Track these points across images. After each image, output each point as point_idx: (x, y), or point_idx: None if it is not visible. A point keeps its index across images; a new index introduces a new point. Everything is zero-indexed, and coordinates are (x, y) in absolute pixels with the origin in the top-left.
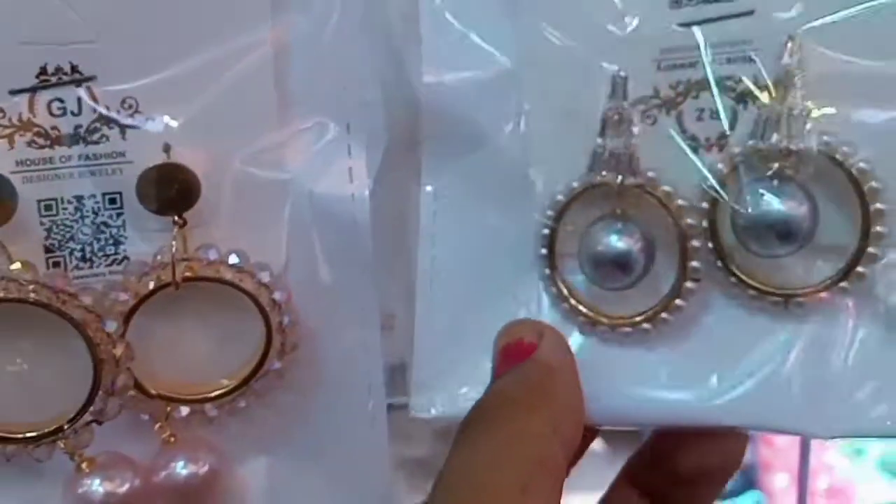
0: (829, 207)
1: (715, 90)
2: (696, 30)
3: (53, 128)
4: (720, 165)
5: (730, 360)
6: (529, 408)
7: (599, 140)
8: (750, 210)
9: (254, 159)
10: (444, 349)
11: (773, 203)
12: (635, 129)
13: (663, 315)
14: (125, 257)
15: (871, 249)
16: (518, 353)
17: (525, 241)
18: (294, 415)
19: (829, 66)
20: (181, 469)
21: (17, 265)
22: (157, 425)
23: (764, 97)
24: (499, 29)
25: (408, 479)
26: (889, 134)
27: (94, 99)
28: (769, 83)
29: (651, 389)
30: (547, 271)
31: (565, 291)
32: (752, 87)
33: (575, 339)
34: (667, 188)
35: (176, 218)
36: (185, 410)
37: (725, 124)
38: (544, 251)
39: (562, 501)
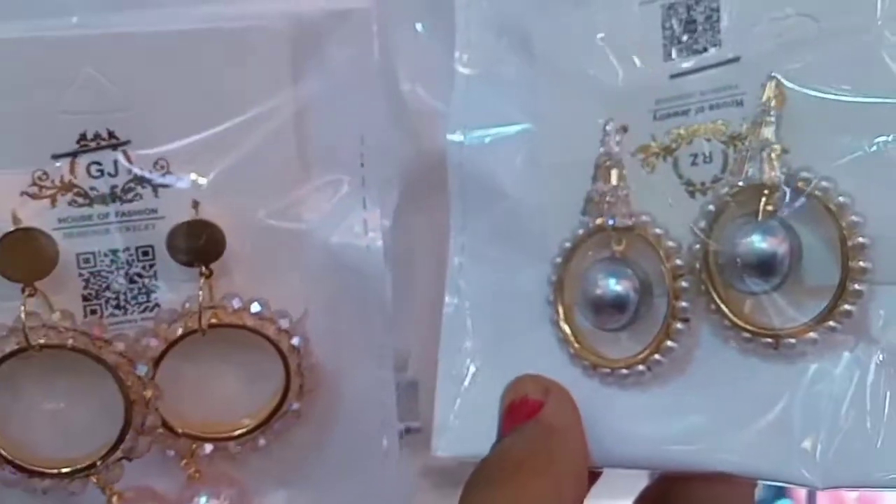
0: (813, 243)
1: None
2: (687, 80)
3: (92, 188)
4: (710, 207)
5: (723, 404)
6: (533, 472)
7: (593, 185)
8: (730, 246)
9: (275, 214)
10: (464, 394)
11: (752, 239)
12: (627, 174)
13: (656, 357)
14: (156, 305)
15: (855, 286)
16: (523, 411)
17: (539, 289)
18: (311, 450)
19: (807, 103)
20: (204, 503)
21: (57, 314)
22: (183, 462)
23: (749, 138)
24: (518, 88)
25: (435, 488)
26: (868, 167)
27: (129, 161)
28: (751, 124)
29: (649, 432)
30: (554, 317)
31: (571, 335)
32: (738, 129)
33: (580, 383)
34: (658, 230)
35: (203, 269)
36: (209, 448)
37: (718, 168)
38: (551, 297)
39: None
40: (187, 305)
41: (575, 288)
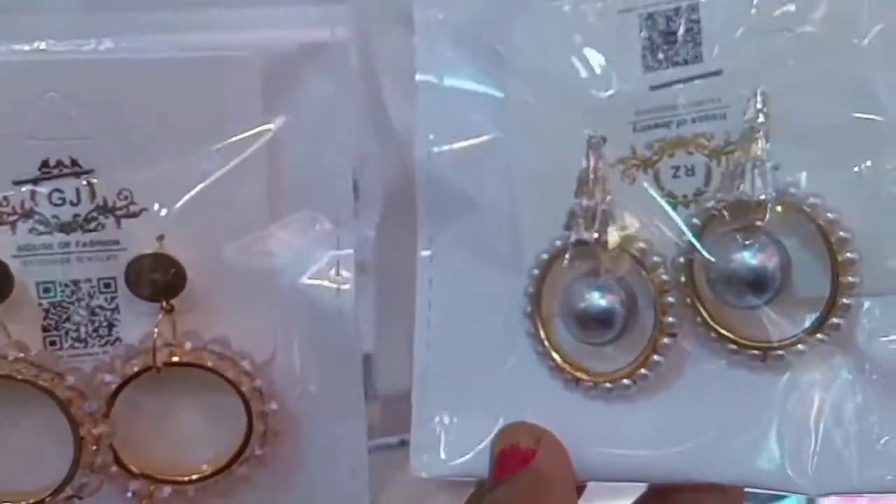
0: (801, 258)
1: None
2: (668, 91)
3: (54, 216)
4: (695, 220)
5: (712, 415)
6: None
7: (576, 199)
8: (722, 262)
9: (243, 249)
10: (439, 411)
11: (744, 255)
12: (609, 188)
13: (642, 371)
14: (118, 339)
15: (844, 300)
16: (515, 459)
17: (514, 302)
18: (275, 496)
19: (794, 119)
20: None
21: (10, 344)
22: (141, 502)
23: (734, 152)
24: (486, 98)
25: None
26: (855, 184)
27: (92, 190)
28: (738, 138)
29: (634, 445)
30: (532, 329)
31: (550, 349)
32: (722, 143)
33: (560, 396)
34: (642, 244)
35: (164, 304)
36: (167, 490)
37: (701, 181)
38: (529, 309)
39: None
40: (144, 343)
41: (554, 301)
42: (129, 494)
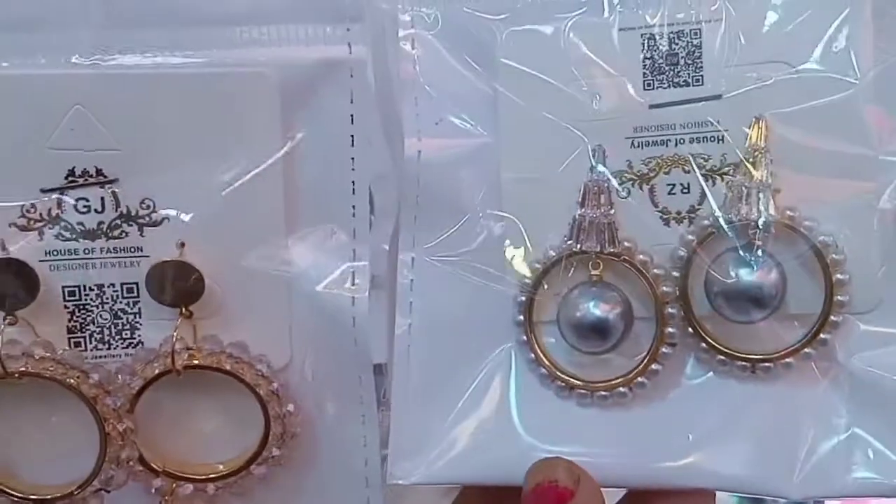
0: (795, 277)
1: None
2: (667, 111)
3: (79, 223)
4: (690, 237)
5: (702, 423)
6: None
7: (580, 210)
8: (726, 278)
9: (261, 258)
10: (419, 417)
11: (747, 272)
12: (613, 200)
13: (640, 379)
14: (140, 342)
15: (833, 317)
16: (552, 496)
17: (499, 309)
18: (291, 496)
19: (793, 145)
20: None
21: (38, 343)
22: (164, 498)
23: (733, 174)
24: (477, 102)
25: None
26: (848, 209)
27: (116, 199)
28: (739, 160)
29: (627, 451)
30: (524, 337)
31: (543, 356)
32: (718, 164)
33: (552, 403)
34: (643, 257)
35: (183, 309)
36: (189, 488)
37: (696, 199)
38: (521, 317)
39: None
40: (166, 346)
41: (549, 310)
42: (154, 490)
